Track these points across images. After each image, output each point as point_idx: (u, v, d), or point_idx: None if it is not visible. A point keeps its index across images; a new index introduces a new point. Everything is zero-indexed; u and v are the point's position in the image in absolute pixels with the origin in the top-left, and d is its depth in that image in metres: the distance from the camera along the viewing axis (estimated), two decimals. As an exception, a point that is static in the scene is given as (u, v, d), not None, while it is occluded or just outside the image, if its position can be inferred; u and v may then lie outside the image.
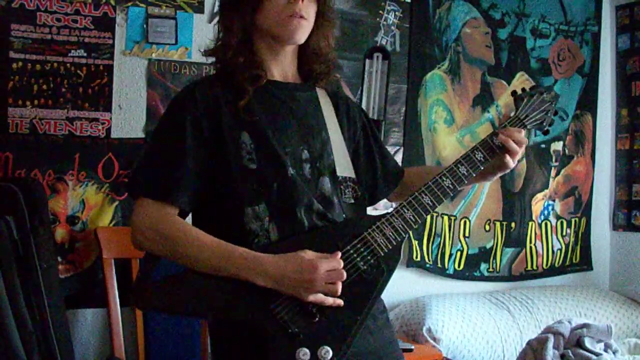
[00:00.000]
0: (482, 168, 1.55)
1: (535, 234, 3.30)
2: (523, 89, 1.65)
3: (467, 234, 3.12)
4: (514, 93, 1.64)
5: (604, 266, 3.48)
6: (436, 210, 2.92)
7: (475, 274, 3.16)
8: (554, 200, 3.35)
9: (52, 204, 2.31)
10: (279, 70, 1.55)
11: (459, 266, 3.11)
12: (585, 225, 3.44)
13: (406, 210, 1.47)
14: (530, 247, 3.29)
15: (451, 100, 3.08)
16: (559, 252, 3.37)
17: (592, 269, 3.46)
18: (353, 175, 1.57)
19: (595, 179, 3.47)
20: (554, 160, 3.35)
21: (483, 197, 3.17)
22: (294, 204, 1.43)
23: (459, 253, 3.11)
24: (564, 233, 3.38)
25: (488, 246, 3.18)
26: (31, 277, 2.02)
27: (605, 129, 3.49)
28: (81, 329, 2.40)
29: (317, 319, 1.37)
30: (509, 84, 3.22)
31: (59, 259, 2.32)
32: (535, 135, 3.27)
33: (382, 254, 1.44)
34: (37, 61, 2.34)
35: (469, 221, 3.13)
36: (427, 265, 3.02)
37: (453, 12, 3.08)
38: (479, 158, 1.55)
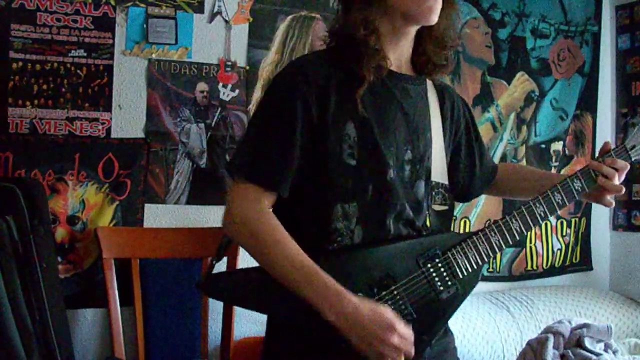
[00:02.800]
0: (577, 198, 1.49)
1: (535, 234, 3.30)
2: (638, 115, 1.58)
3: (467, 234, 3.12)
4: (627, 119, 1.56)
5: (604, 266, 3.48)
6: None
7: (475, 274, 3.15)
8: (554, 200, 3.35)
9: (52, 204, 2.31)
10: (395, 58, 1.43)
11: (459, 266, 3.11)
12: (585, 225, 3.44)
13: (493, 235, 1.42)
14: (530, 247, 3.29)
15: (451, 100, 3.08)
16: (559, 252, 3.36)
17: (592, 269, 3.45)
18: (446, 182, 1.50)
19: (595, 179, 3.46)
20: (554, 160, 3.34)
21: (483, 197, 3.16)
22: (387, 208, 1.37)
23: (459, 253, 3.11)
24: (564, 233, 3.38)
25: (488, 246, 3.18)
26: (31, 277, 2.02)
27: (605, 129, 3.49)
28: (81, 329, 2.40)
29: None
30: (509, 84, 3.22)
31: (59, 259, 2.32)
32: (536, 136, 3.27)
33: (461, 277, 1.39)
34: (37, 61, 2.34)
35: (469, 221, 3.13)
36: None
37: (453, 12, 3.08)
38: (576, 187, 1.48)
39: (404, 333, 1.28)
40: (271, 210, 1.37)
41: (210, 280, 1.44)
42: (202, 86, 2.56)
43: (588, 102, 3.42)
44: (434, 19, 1.38)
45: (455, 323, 2.73)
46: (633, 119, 1.53)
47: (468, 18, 3.12)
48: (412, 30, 1.42)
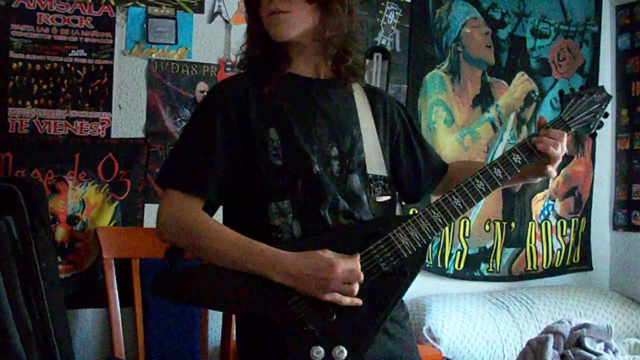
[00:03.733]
0: (518, 171, 1.50)
1: (535, 234, 3.30)
2: (572, 89, 1.59)
3: (467, 234, 3.12)
4: (561, 93, 1.57)
5: (604, 266, 3.48)
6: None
7: (475, 274, 3.16)
8: (554, 200, 3.35)
9: (52, 204, 2.31)
10: (309, 67, 1.53)
11: (459, 266, 3.11)
12: (585, 225, 3.44)
13: (434, 212, 1.44)
14: (530, 247, 3.29)
15: (451, 101, 3.08)
16: (559, 252, 3.36)
17: (592, 268, 3.46)
18: (385, 174, 1.55)
19: (595, 179, 3.46)
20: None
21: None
22: (319, 201, 1.43)
23: (459, 253, 3.11)
24: (564, 233, 3.38)
25: (488, 246, 3.18)
26: (31, 277, 2.02)
27: (605, 129, 3.48)
28: (81, 329, 2.40)
29: (333, 317, 1.36)
30: (509, 84, 3.22)
31: (59, 259, 2.32)
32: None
33: (406, 256, 1.41)
34: (37, 61, 2.34)
35: (469, 221, 3.13)
36: (427, 265, 3.01)
37: (453, 12, 3.08)
38: (515, 161, 1.49)
39: (345, 265, 1.34)
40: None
41: (158, 280, 1.46)
42: (202, 86, 2.57)
43: (588, 102, 3.42)
44: (283, 33, 1.47)
45: (455, 323, 2.75)
46: (569, 94, 1.55)
47: (468, 18, 3.12)
48: (307, 43, 1.50)
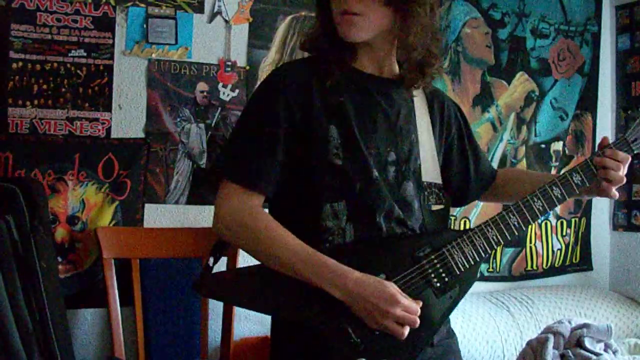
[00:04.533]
0: (577, 192, 1.46)
1: (535, 234, 3.30)
2: (638, 108, 1.56)
3: (467, 234, 3.12)
4: (627, 113, 1.56)
5: (604, 266, 3.48)
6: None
7: (475, 274, 3.15)
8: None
9: (52, 204, 2.31)
10: (373, 64, 1.47)
11: (459, 266, 3.11)
12: (585, 225, 3.44)
13: (490, 230, 1.41)
14: (530, 247, 3.29)
15: (451, 100, 3.08)
16: (559, 252, 3.36)
17: (592, 269, 3.45)
18: (439, 182, 1.51)
19: (595, 179, 3.46)
20: (553, 160, 3.34)
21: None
22: (375, 207, 1.38)
23: (459, 253, 3.11)
24: (564, 233, 3.38)
25: (488, 246, 3.18)
26: (31, 277, 2.02)
27: (605, 129, 3.49)
28: (81, 329, 2.40)
29: (379, 332, 1.32)
30: (509, 84, 3.22)
31: (59, 259, 2.32)
32: (536, 136, 3.27)
33: (458, 273, 1.38)
34: (37, 61, 2.34)
35: (469, 221, 3.13)
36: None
37: (453, 12, 3.08)
38: (576, 181, 1.46)
39: (407, 305, 1.30)
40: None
41: (206, 280, 1.44)
42: (202, 86, 2.56)
43: (588, 102, 3.42)
44: (355, 36, 1.40)
45: (455, 323, 2.73)
46: (634, 112, 1.51)
47: (468, 18, 3.12)
48: (376, 41, 1.44)
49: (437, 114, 1.56)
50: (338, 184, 1.37)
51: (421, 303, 1.33)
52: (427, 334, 1.37)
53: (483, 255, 1.40)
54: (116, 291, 2.29)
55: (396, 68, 1.50)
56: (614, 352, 2.61)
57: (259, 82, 2.63)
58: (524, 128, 3.24)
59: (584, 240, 3.44)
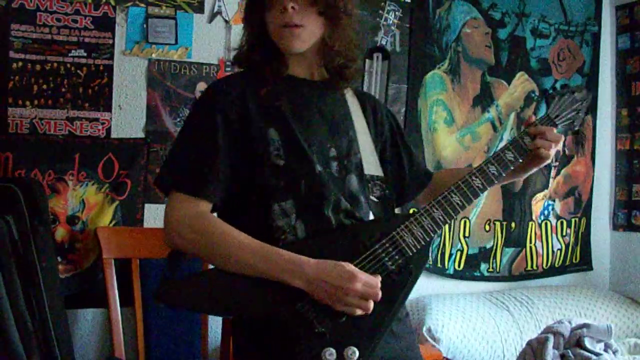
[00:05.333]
0: (512, 168, 1.53)
1: (535, 234, 3.30)
2: (554, 88, 1.65)
3: (467, 234, 3.12)
4: (545, 92, 1.63)
5: (604, 266, 3.48)
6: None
7: (475, 274, 3.16)
8: (554, 200, 3.35)
9: (52, 204, 2.31)
10: (304, 69, 1.54)
11: (459, 266, 3.11)
12: (585, 225, 3.44)
13: (435, 210, 1.45)
14: (530, 247, 3.29)
15: (451, 100, 3.08)
16: (559, 252, 3.36)
17: (592, 269, 3.46)
18: (381, 174, 1.56)
19: (595, 179, 3.46)
20: (553, 160, 3.35)
21: (483, 196, 3.17)
22: (322, 201, 1.42)
23: (459, 253, 3.11)
24: (564, 233, 3.38)
25: (488, 246, 3.18)
26: (31, 277, 2.02)
27: (605, 129, 3.49)
28: (81, 329, 2.40)
29: (343, 319, 1.36)
30: (509, 84, 3.22)
31: (59, 259, 2.32)
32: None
33: (411, 254, 1.42)
34: (37, 61, 2.34)
35: (469, 221, 3.13)
36: (427, 265, 3.01)
37: (453, 12, 3.08)
38: (509, 158, 1.53)
39: (367, 280, 1.34)
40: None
41: (164, 288, 1.44)
42: (202, 86, 2.57)
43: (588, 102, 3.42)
44: (298, 46, 1.48)
45: (455, 323, 2.75)
46: (554, 92, 1.61)
47: (468, 18, 3.12)
48: (301, 52, 1.51)
49: (370, 113, 1.63)
50: (283, 184, 1.41)
51: (380, 277, 1.37)
52: (388, 317, 1.40)
53: (432, 234, 1.45)
54: (116, 291, 2.29)
55: (324, 72, 1.57)
56: (614, 352, 2.61)
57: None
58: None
59: (584, 240, 3.44)
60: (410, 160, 1.69)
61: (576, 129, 1.65)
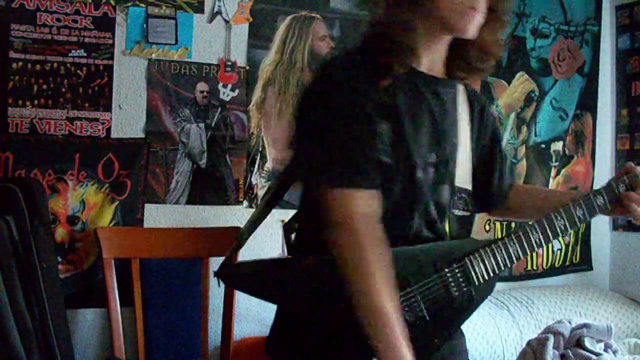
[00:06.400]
0: (598, 213, 1.47)
1: (535, 234, 3.30)
2: None
3: (467, 234, 3.12)
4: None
5: (604, 266, 3.48)
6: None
7: (475, 274, 3.15)
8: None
9: (52, 204, 2.31)
10: (427, 60, 1.42)
11: (459, 266, 3.11)
12: (585, 225, 3.43)
13: (512, 244, 1.40)
14: (530, 247, 3.29)
15: (451, 100, 3.08)
16: (559, 252, 3.36)
17: (592, 269, 3.45)
18: (469, 188, 1.49)
19: (595, 179, 3.46)
20: (554, 160, 3.34)
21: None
22: (411, 208, 1.37)
23: (459, 253, 3.11)
24: (564, 233, 3.38)
25: (488, 246, 3.18)
26: (31, 277, 2.02)
27: (605, 129, 3.49)
28: (81, 329, 2.40)
29: None
30: (509, 84, 3.22)
31: (59, 259, 2.32)
32: (536, 136, 3.27)
33: (477, 284, 1.38)
34: (37, 61, 2.34)
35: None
36: (427, 265, 3.01)
37: (453, 12, 3.08)
38: (598, 203, 1.46)
39: None
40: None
41: (226, 268, 1.44)
42: (202, 86, 2.56)
43: (588, 102, 3.42)
44: (471, 33, 1.37)
45: (455, 323, 2.74)
46: None
47: (468, 18, 3.12)
48: (449, 37, 1.41)
49: (476, 115, 1.54)
50: (381, 182, 1.32)
51: None
52: (440, 342, 1.37)
53: (503, 268, 1.40)
54: (116, 291, 2.29)
55: (443, 67, 1.47)
56: (614, 352, 2.61)
57: (259, 82, 2.63)
58: (524, 128, 3.24)
59: (584, 240, 3.43)
60: (500, 172, 1.61)
61: None
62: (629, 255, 3.39)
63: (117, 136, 2.45)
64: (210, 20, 2.60)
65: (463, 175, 1.47)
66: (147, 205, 2.48)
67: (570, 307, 3.05)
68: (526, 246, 1.41)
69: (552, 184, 3.34)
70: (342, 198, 1.29)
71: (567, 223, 1.44)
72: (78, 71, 2.39)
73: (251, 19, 2.65)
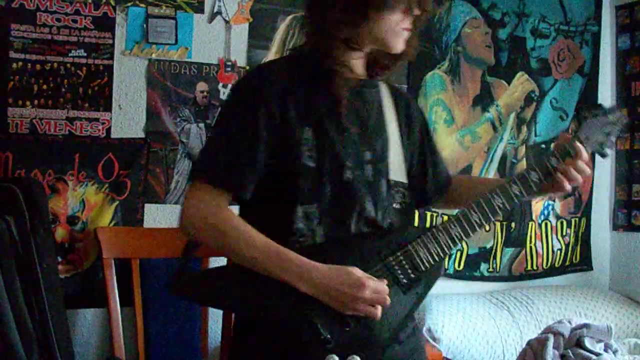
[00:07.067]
0: (535, 190, 1.49)
1: (535, 234, 3.30)
2: (587, 108, 1.59)
3: (467, 234, 3.12)
4: (577, 111, 1.58)
5: (604, 266, 3.48)
6: (436, 210, 2.92)
7: (475, 274, 3.16)
8: (554, 200, 3.35)
9: (52, 204, 2.31)
10: (350, 64, 1.47)
11: (459, 266, 3.11)
12: (585, 225, 3.43)
13: (453, 227, 1.43)
14: (530, 247, 3.29)
15: (451, 100, 3.08)
16: (559, 252, 3.36)
17: (592, 269, 3.45)
18: (404, 180, 1.52)
19: (595, 179, 3.46)
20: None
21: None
22: (346, 208, 1.40)
23: (459, 253, 3.11)
24: (564, 233, 3.38)
25: (488, 246, 3.18)
26: (31, 277, 2.02)
27: (605, 129, 3.48)
28: (81, 329, 2.40)
29: (349, 327, 1.36)
30: (509, 84, 3.22)
31: (59, 259, 2.33)
32: (536, 136, 3.27)
33: (423, 269, 1.41)
34: (37, 61, 2.34)
35: (469, 221, 3.13)
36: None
37: (453, 12, 3.08)
38: (533, 179, 1.49)
39: (375, 287, 1.33)
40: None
41: (179, 280, 1.45)
42: (202, 86, 2.57)
43: (588, 102, 3.42)
44: (401, 49, 1.46)
45: (455, 323, 2.74)
46: (583, 112, 1.54)
47: (468, 18, 3.12)
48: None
49: (402, 111, 1.58)
50: (311, 187, 1.39)
51: (386, 281, 1.36)
52: (395, 329, 1.40)
53: (447, 251, 1.43)
54: (116, 291, 2.29)
55: (364, 69, 1.52)
56: (614, 352, 2.61)
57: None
58: (524, 128, 3.24)
59: (584, 240, 3.43)
60: (435, 163, 1.65)
61: (607, 154, 1.55)
62: (629, 255, 3.39)
63: (117, 136, 2.45)
64: (210, 20, 2.60)
65: (397, 169, 1.51)
66: (147, 205, 2.48)
67: (570, 307, 3.05)
68: (467, 227, 1.44)
69: (552, 184, 3.34)
70: (192, 191, 1.39)
71: (504, 201, 1.47)
72: (78, 71, 2.39)
73: (251, 19, 2.65)
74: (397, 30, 1.43)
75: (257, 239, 1.35)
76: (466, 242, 3.11)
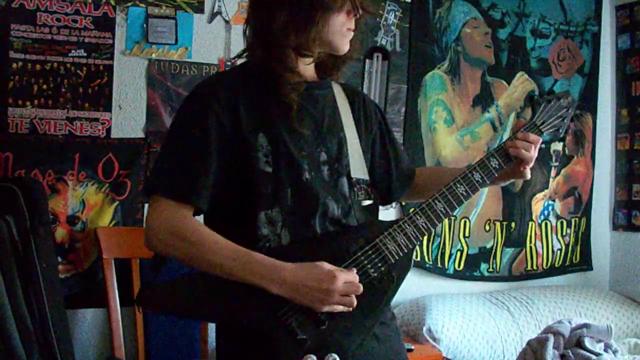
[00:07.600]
0: (496, 175, 1.52)
1: (535, 234, 3.30)
2: (540, 94, 1.62)
3: (467, 234, 3.12)
4: (531, 98, 1.61)
5: (604, 266, 3.48)
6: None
7: (475, 274, 3.16)
8: (554, 200, 3.35)
9: (52, 204, 2.31)
10: (301, 68, 1.49)
11: (459, 266, 3.11)
12: (585, 225, 3.44)
13: (419, 217, 1.45)
14: (530, 247, 3.29)
15: (451, 100, 3.08)
16: (559, 252, 3.36)
17: (592, 269, 3.46)
18: (366, 177, 1.54)
19: (595, 179, 3.47)
20: (553, 160, 3.35)
21: (483, 197, 3.17)
22: (309, 210, 1.41)
23: (459, 253, 3.11)
24: (564, 233, 3.38)
25: (488, 246, 3.18)
26: (31, 277, 2.02)
27: (605, 129, 3.49)
28: (81, 329, 2.40)
29: (325, 325, 1.36)
30: (509, 84, 3.22)
31: (59, 259, 2.33)
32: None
33: (393, 261, 1.41)
34: (37, 61, 2.34)
35: (469, 221, 3.13)
36: (427, 265, 3.01)
37: (453, 12, 3.08)
38: (493, 165, 1.52)
39: (346, 277, 1.34)
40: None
41: (145, 292, 1.44)
42: (202, 86, 2.56)
43: (588, 102, 3.42)
44: (346, 50, 1.50)
45: (455, 323, 2.75)
46: (539, 98, 1.59)
47: (468, 18, 3.12)
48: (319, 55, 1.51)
49: (359, 111, 1.60)
50: (270, 192, 1.40)
51: (355, 270, 1.37)
52: (369, 323, 1.40)
53: (415, 242, 1.44)
54: (116, 291, 2.29)
55: (312, 69, 1.54)
56: (614, 352, 2.61)
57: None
58: (524, 128, 3.24)
59: (584, 240, 3.44)
60: (396, 157, 1.67)
61: (561, 135, 1.61)
62: (629, 255, 3.39)
63: (117, 136, 2.45)
64: (210, 20, 2.60)
65: (358, 166, 1.52)
66: (147, 206, 2.47)
67: (570, 307, 3.06)
68: (433, 217, 1.46)
69: (552, 184, 3.34)
70: (153, 205, 1.40)
71: (467, 188, 1.49)
72: (78, 71, 2.39)
73: (251, 19, 2.65)
74: (343, 32, 1.46)
75: (225, 245, 1.35)
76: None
